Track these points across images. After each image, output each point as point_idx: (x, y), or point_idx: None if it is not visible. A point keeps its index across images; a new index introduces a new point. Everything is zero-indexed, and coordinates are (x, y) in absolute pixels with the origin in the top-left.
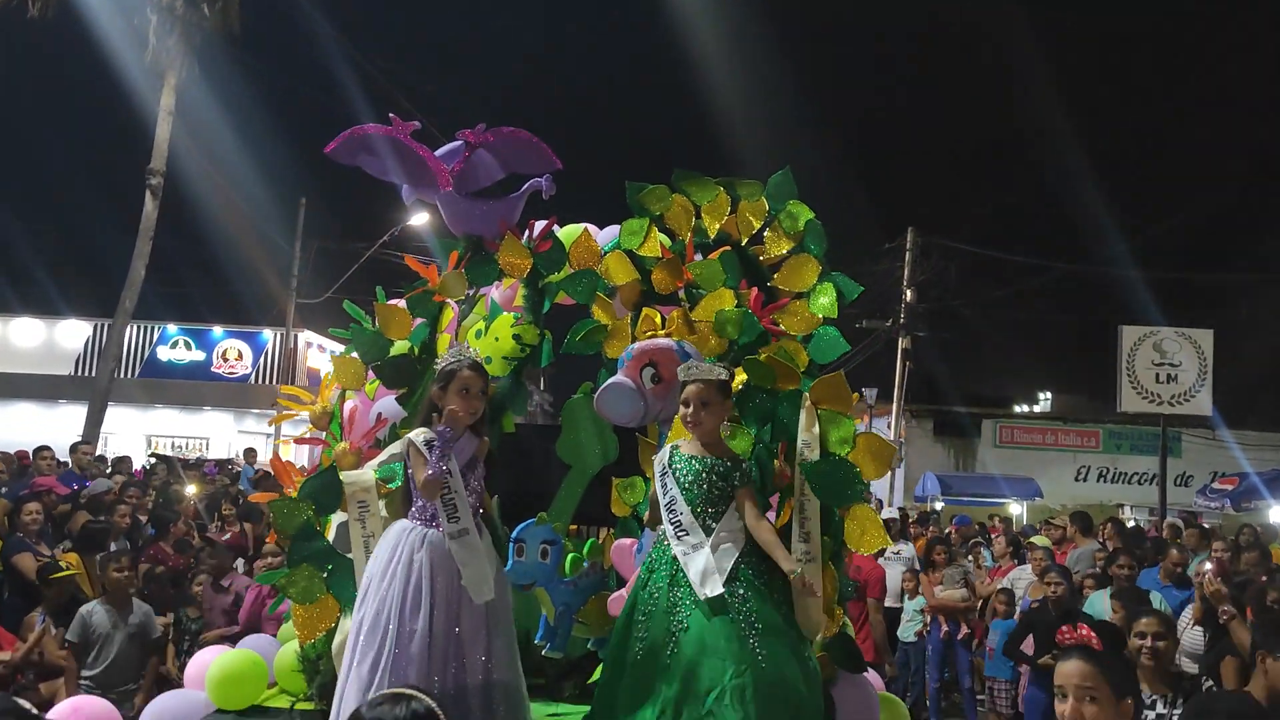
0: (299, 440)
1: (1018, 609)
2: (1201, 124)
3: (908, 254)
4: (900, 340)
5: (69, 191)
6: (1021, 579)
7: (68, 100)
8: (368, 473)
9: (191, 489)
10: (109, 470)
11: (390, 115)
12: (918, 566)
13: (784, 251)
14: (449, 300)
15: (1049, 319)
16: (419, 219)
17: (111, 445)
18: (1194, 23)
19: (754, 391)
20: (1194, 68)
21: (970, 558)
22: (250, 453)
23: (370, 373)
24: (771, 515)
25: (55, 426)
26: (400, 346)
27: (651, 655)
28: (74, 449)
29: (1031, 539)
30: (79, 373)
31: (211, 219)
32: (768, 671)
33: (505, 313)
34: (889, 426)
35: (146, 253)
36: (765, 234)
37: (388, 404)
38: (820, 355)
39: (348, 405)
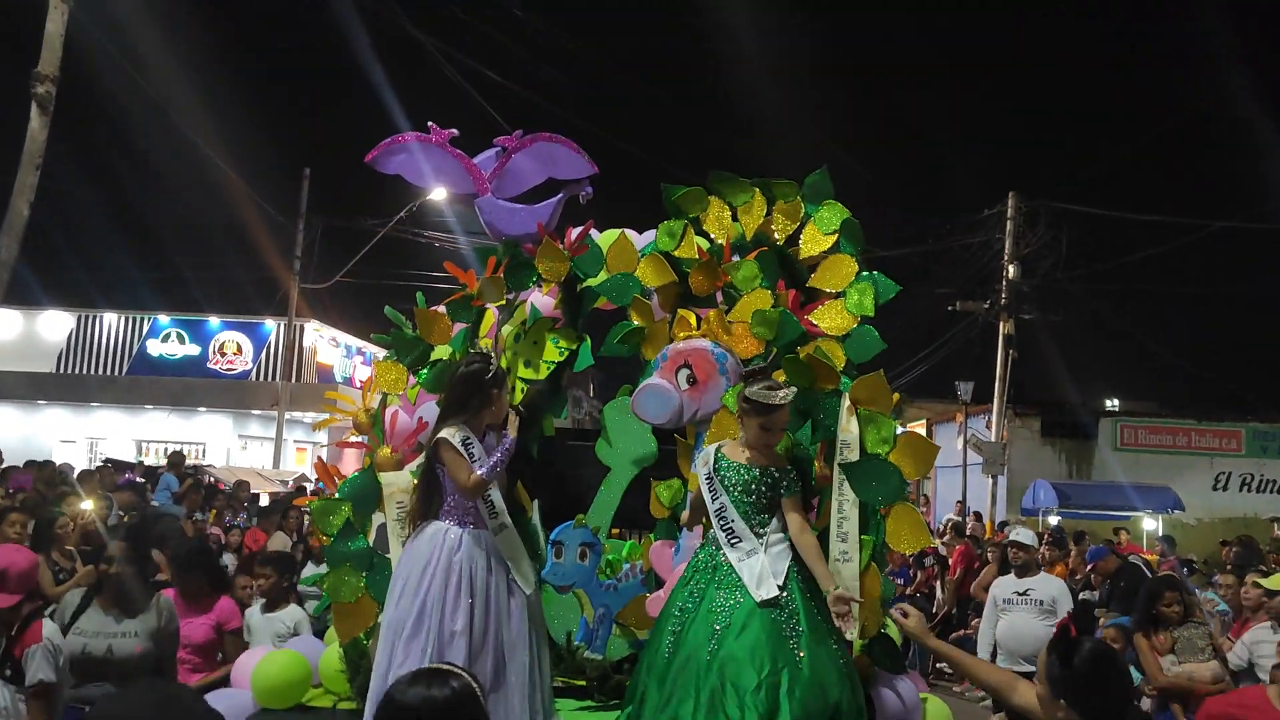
0: (341, 444)
1: None
2: None
3: (1009, 222)
4: (1002, 324)
5: (48, 160)
6: (1263, 640)
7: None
8: (405, 474)
9: (87, 504)
10: None
11: (429, 124)
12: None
13: (821, 251)
14: (489, 305)
15: (1179, 292)
16: (438, 193)
17: (100, 451)
18: None
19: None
20: None
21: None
22: (177, 457)
23: (410, 377)
24: (812, 516)
25: (37, 430)
26: (441, 351)
27: (693, 653)
28: None
29: (1219, 577)
30: (63, 370)
31: (203, 193)
32: (804, 672)
33: (545, 317)
34: (988, 426)
35: (32, 186)
36: (802, 234)
37: (430, 409)
38: (857, 354)
39: (389, 410)
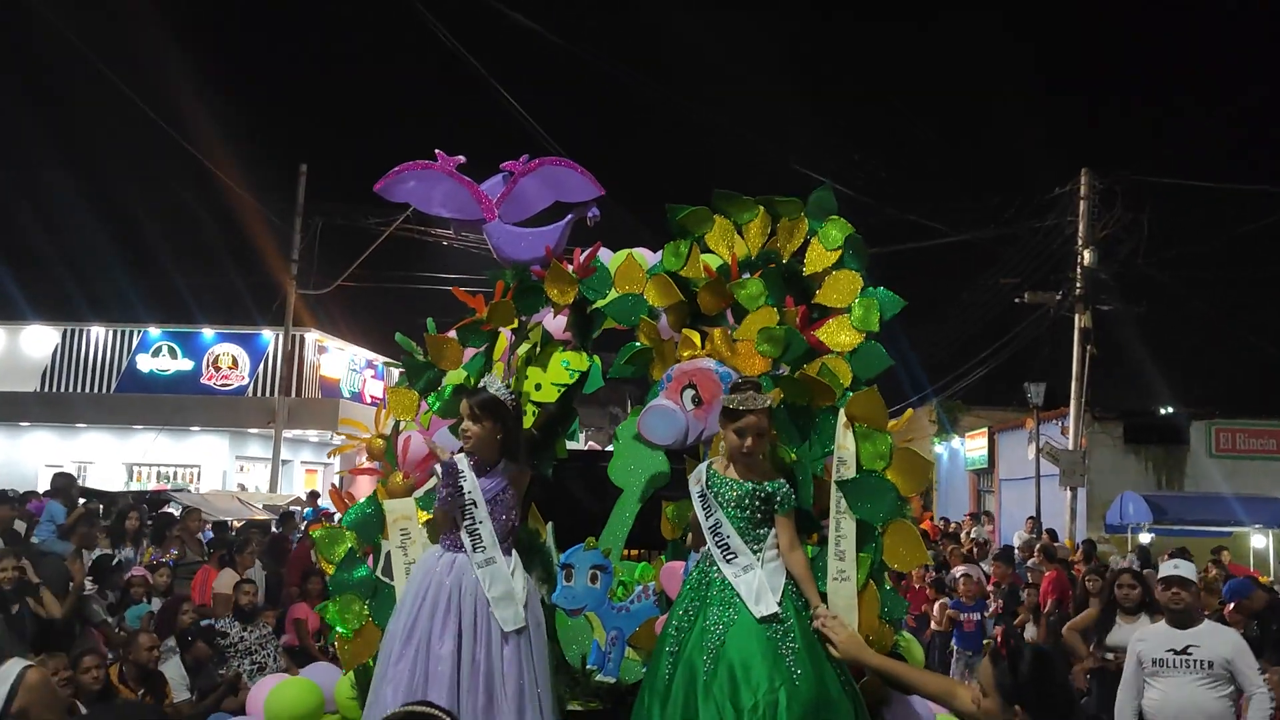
0: (356, 471)
1: None
2: None
3: (1082, 202)
4: (1078, 317)
5: (29, 163)
6: None
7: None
8: (409, 500)
9: None
10: None
11: (436, 151)
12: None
13: (826, 268)
14: (502, 328)
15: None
16: None
17: (90, 476)
18: None
19: (791, 409)
20: None
21: None
22: (64, 479)
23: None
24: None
25: (20, 455)
26: (455, 376)
27: (689, 675)
28: None
29: None
30: (47, 389)
31: (194, 193)
32: (802, 689)
33: (556, 340)
34: (1064, 432)
35: None
36: (808, 250)
37: (443, 434)
38: (863, 371)
39: (403, 435)
